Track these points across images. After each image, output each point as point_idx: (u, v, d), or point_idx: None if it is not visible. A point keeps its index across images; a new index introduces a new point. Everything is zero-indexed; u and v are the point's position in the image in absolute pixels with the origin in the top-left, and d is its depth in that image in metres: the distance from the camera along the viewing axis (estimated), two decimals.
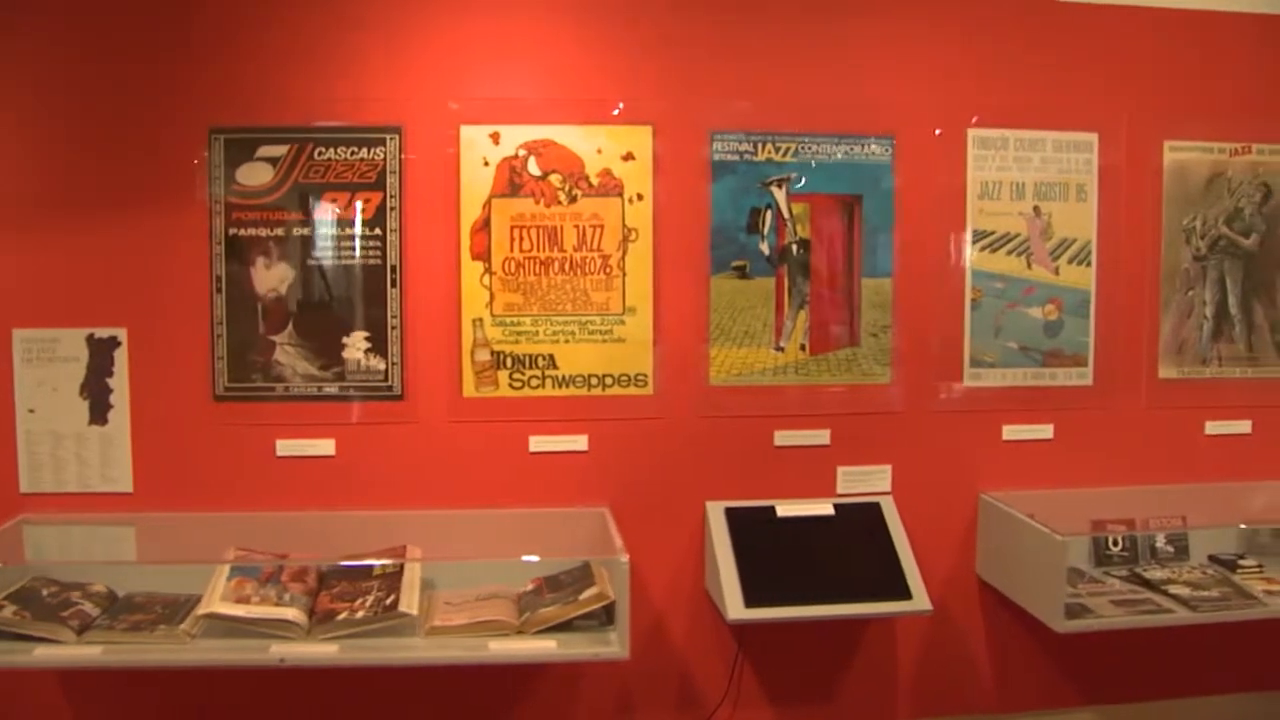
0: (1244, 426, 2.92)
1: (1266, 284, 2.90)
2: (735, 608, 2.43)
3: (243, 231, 2.55)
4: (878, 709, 2.82)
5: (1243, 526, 2.90)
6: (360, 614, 2.34)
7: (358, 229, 2.57)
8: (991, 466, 2.78)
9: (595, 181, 2.60)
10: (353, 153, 2.56)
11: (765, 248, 2.66)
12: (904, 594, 2.51)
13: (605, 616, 2.36)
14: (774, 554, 2.56)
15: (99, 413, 2.54)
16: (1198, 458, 2.90)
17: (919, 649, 2.82)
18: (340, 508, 2.58)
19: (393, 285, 2.58)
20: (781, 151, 2.65)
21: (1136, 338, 2.84)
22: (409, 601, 2.38)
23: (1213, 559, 2.85)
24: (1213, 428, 2.90)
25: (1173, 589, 2.63)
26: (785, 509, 2.65)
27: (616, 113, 2.58)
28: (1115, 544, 2.83)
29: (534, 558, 2.50)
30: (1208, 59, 2.84)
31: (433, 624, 2.37)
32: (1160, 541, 2.85)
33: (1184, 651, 2.93)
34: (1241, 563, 2.79)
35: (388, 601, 2.37)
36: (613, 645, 2.30)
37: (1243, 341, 2.89)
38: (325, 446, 2.58)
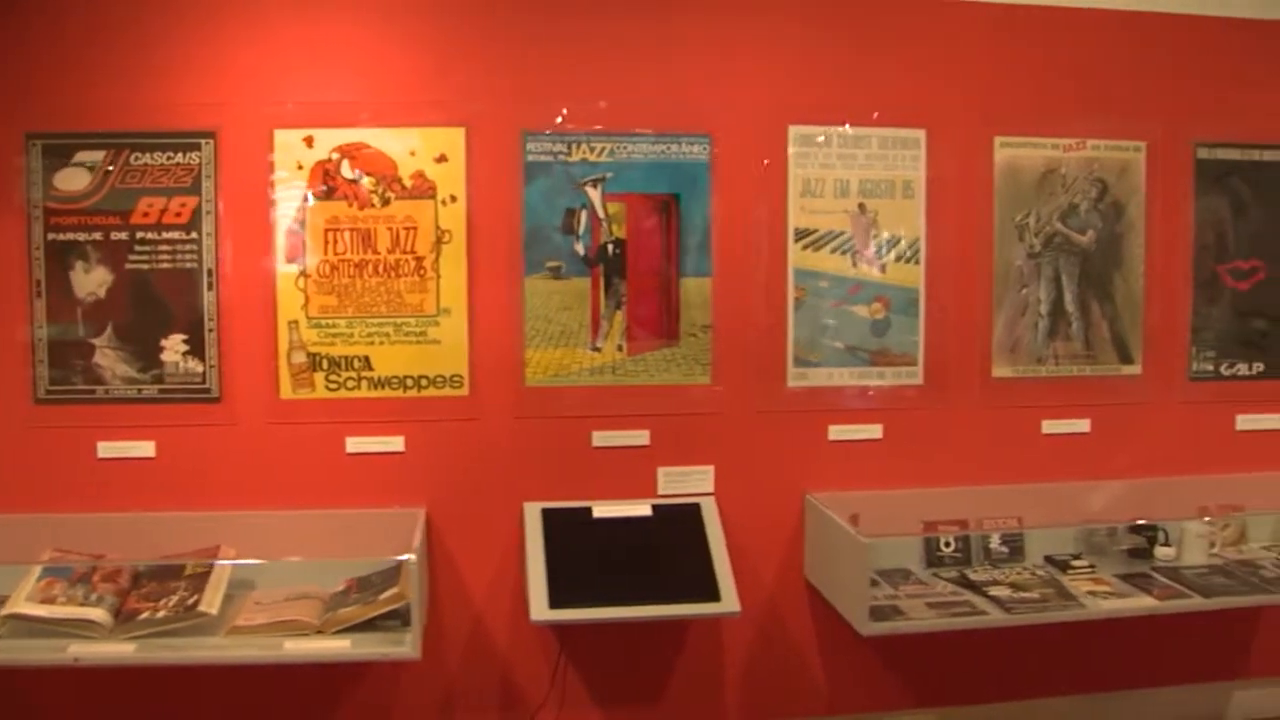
0: (1082, 425, 2.94)
1: (1104, 281, 2.92)
2: (539, 609, 2.49)
3: (61, 236, 2.63)
4: (706, 711, 2.86)
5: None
6: (162, 614, 2.42)
7: (174, 233, 2.64)
8: (818, 467, 2.82)
9: (408, 184, 2.67)
10: (169, 158, 2.64)
11: (580, 248, 2.71)
12: (713, 596, 2.54)
13: (410, 616, 2.41)
14: (587, 555, 2.61)
15: None
16: (1035, 457, 2.93)
17: (747, 651, 2.87)
18: (161, 509, 2.67)
19: (209, 288, 2.65)
20: (596, 151, 2.70)
21: (968, 336, 2.87)
22: (210, 601, 2.46)
23: (1048, 559, 2.86)
24: (1050, 426, 2.93)
25: (993, 590, 2.66)
26: (602, 510, 2.71)
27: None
28: (948, 545, 2.85)
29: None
30: (1039, 54, 2.88)
31: (234, 624, 2.44)
32: (995, 542, 2.87)
33: (1021, 653, 2.96)
34: (1074, 563, 2.83)
35: (190, 601, 2.45)
36: (405, 645, 2.35)
37: (1080, 339, 2.91)
38: (146, 448, 2.66)
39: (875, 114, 2.79)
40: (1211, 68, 2.95)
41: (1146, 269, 2.93)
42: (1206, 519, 2.88)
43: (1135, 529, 2.88)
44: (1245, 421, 3.03)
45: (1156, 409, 2.98)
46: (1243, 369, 3.02)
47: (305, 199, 2.65)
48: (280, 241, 2.65)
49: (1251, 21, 2.96)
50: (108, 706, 2.70)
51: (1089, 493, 2.93)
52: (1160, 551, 2.86)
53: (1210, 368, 3.00)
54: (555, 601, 2.49)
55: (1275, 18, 2.96)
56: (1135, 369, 2.95)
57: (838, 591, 2.66)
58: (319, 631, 2.43)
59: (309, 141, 2.65)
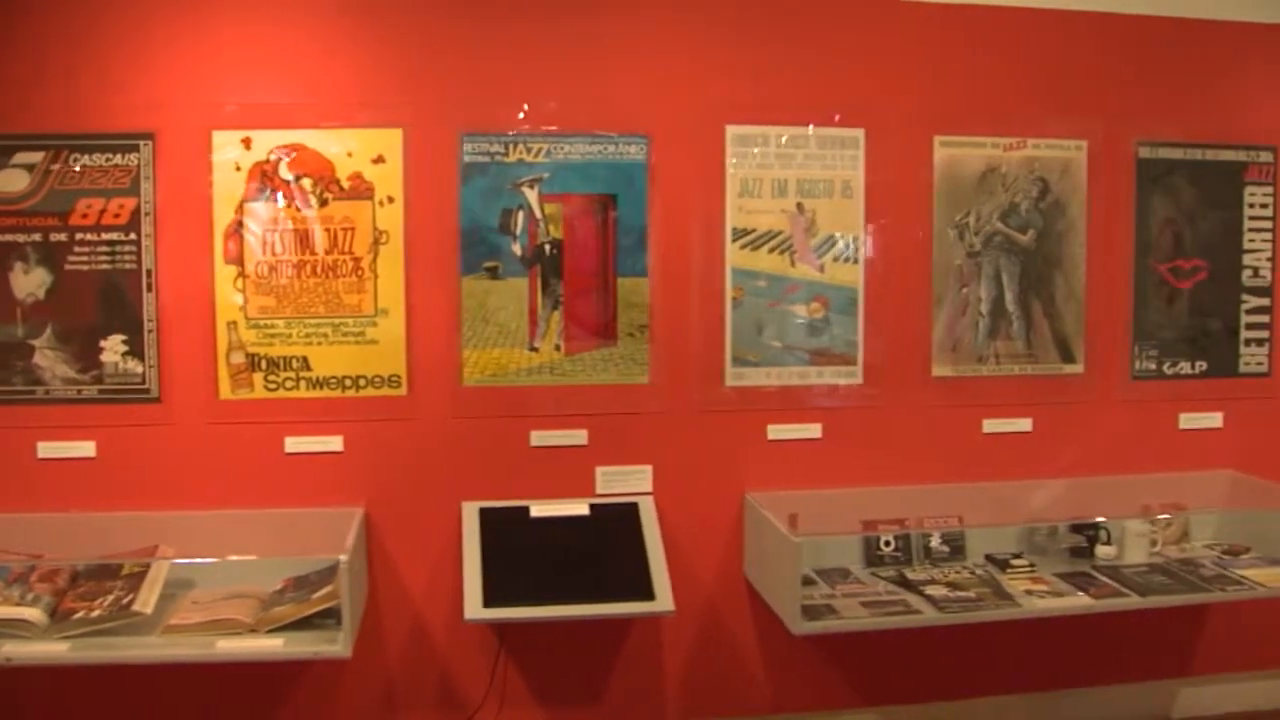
0: (1024, 424, 2.97)
1: (1045, 280, 2.95)
2: (473, 607, 2.52)
3: (0, 237, 2.65)
4: (647, 710, 2.90)
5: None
6: (96, 613, 2.46)
7: (113, 234, 2.67)
8: (757, 466, 2.85)
9: (346, 185, 2.70)
10: (108, 159, 2.67)
11: (518, 248, 2.74)
12: (647, 595, 2.56)
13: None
14: (524, 554, 2.65)
15: None
16: (976, 456, 2.96)
17: (688, 649, 2.90)
18: (102, 509, 2.70)
19: (148, 289, 2.69)
20: (533, 152, 2.73)
21: (908, 336, 2.91)
22: (145, 601, 2.50)
23: (989, 558, 2.89)
24: (991, 426, 2.96)
25: (929, 589, 2.69)
26: (539, 509, 2.74)
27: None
28: (888, 544, 2.88)
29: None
30: (978, 54, 2.91)
31: (169, 623, 2.48)
32: (936, 541, 2.90)
33: (968, 652, 3.00)
34: (1014, 562, 2.85)
35: (125, 601, 2.48)
36: (337, 645, 2.38)
37: (1021, 339, 2.94)
38: (86, 448, 2.69)
39: (818, 116, 2.83)
40: (1153, 67, 2.99)
41: (1088, 268, 2.96)
42: (1148, 517, 2.90)
43: (1076, 528, 2.91)
44: (1188, 420, 3.06)
45: (1099, 408, 3.01)
46: (1185, 368, 3.04)
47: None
48: (218, 243, 2.69)
49: (1192, 21, 2.99)
50: (53, 707, 2.73)
51: (1031, 492, 2.96)
52: (1101, 550, 2.89)
53: (1153, 366, 3.03)
54: (490, 600, 2.53)
55: (1215, 17, 2.99)
56: (1077, 368, 2.98)
57: (773, 590, 2.69)
58: (252, 630, 2.47)
59: (247, 143, 2.68)
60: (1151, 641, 3.10)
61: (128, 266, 2.69)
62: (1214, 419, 3.07)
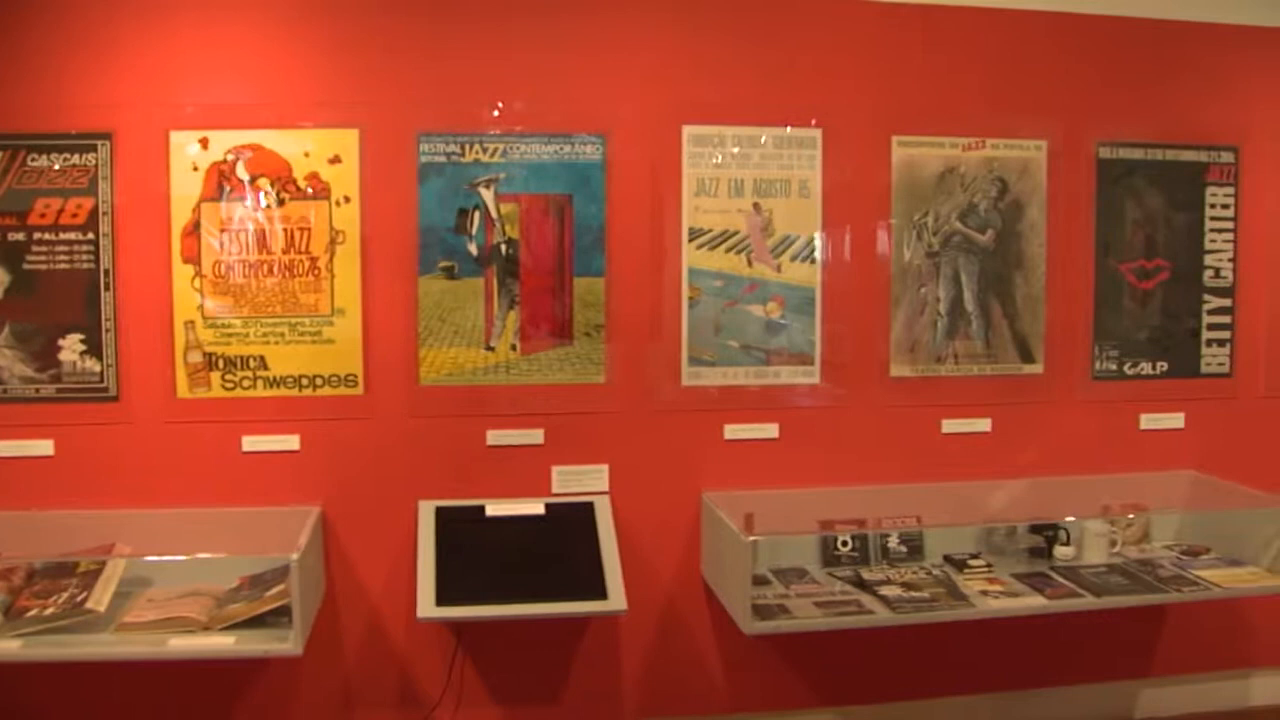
0: (983, 425, 2.98)
1: (1004, 280, 2.96)
2: (425, 606, 2.54)
3: None
4: (604, 709, 2.91)
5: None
6: (49, 611, 2.48)
7: (71, 234, 2.69)
8: (714, 466, 2.87)
9: (303, 185, 2.71)
10: (65, 159, 2.70)
11: (474, 248, 2.76)
12: (600, 594, 2.58)
13: None
14: (478, 553, 2.67)
15: None
16: (935, 456, 2.97)
17: (646, 649, 2.92)
18: (59, 507, 2.72)
19: (106, 289, 2.71)
20: (489, 152, 2.75)
21: (866, 336, 2.92)
22: (98, 599, 2.52)
23: (947, 559, 2.90)
24: (950, 426, 2.96)
25: (884, 590, 2.70)
26: (495, 508, 2.75)
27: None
28: (845, 544, 2.89)
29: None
30: (937, 53, 2.92)
31: (123, 620, 2.50)
32: (894, 541, 2.91)
33: (928, 652, 3.02)
34: (971, 562, 2.86)
35: (79, 599, 2.50)
36: (288, 643, 2.40)
37: (980, 339, 2.95)
38: (44, 447, 2.72)
39: (775, 116, 2.85)
40: (1113, 67, 3.00)
41: (1048, 268, 2.97)
42: (1107, 518, 2.91)
43: (1035, 528, 2.92)
44: (1149, 420, 3.07)
45: (1059, 408, 3.02)
46: (1146, 368, 3.05)
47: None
48: (176, 242, 2.71)
49: (1152, 21, 3.00)
50: (8, 705, 2.75)
51: (990, 492, 2.97)
52: (1060, 551, 2.90)
53: (1114, 367, 3.04)
54: (442, 599, 2.55)
55: (1173, 17, 3.00)
56: (1037, 368, 2.99)
57: (727, 590, 2.71)
58: (205, 628, 2.49)
59: (204, 143, 2.70)
60: (1112, 642, 3.11)
61: (86, 266, 2.71)
62: (1175, 419, 3.08)
